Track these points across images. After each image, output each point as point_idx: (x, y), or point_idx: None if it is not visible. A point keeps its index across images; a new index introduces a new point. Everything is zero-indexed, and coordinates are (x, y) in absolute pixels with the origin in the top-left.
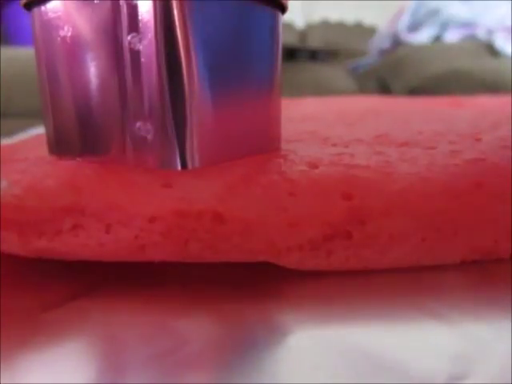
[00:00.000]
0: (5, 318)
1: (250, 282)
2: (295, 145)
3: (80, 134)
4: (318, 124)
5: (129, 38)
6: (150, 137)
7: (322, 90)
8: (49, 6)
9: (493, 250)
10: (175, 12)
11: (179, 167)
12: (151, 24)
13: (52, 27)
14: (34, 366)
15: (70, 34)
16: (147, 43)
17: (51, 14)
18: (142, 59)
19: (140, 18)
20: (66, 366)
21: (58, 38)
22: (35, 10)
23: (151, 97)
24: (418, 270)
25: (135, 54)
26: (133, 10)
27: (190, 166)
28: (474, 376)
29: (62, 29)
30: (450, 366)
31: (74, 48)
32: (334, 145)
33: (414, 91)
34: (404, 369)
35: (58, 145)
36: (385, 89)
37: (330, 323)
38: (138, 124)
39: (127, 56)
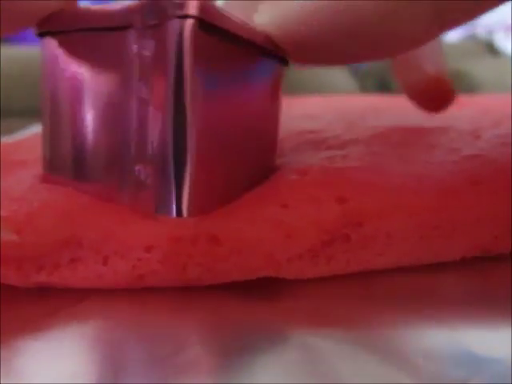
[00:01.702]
0: (5, 323)
1: (250, 286)
2: (292, 148)
3: (76, 163)
4: (318, 123)
5: (138, 85)
6: (148, 181)
7: (322, 88)
8: (63, 39)
9: (493, 246)
10: (186, 70)
11: (174, 215)
12: (162, 77)
13: (63, 60)
14: (34, 369)
15: (80, 69)
16: (156, 94)
17: (64, 48)
18: (150, 108)
19: (151, 69)
20: (65, 369)
21: (68, 72)
22: (47, 40)
23: (154, 144)
24: (418, 273)
25: (143, 102)
26: (144, 61)
27: (185, 214)
28: (474, 378)
29: (73, 63)
30: (450, 369)
31: (83, 83)
32: (331, 146)
33: None
34: (404, 371)
35: (53, 166)
36: (385, 87)
37: (330, 326)
38: (138, 167)
39: (135, 102)
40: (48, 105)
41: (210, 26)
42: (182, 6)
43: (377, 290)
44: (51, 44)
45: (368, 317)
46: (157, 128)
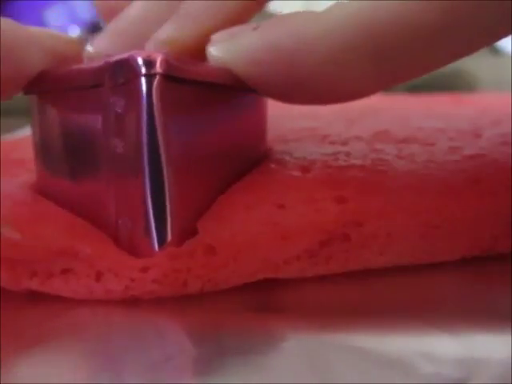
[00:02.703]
0: (5, 326)
1: (247, 287)
2: (291, 145)
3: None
4: (318, 121)
5: (113, 141)
6: (128, 233)
7: None
8: (46, 98)
9: (493, 246)
10: (158, 126)
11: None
12: (135, 133)
13: (48, 114)
14: (32, 373)
15: (61, 125)
16: (129, 150)
17: (48, 105)
18: (124, 163)
19: (124, 125)
20: (62, 373)
21: (53, 125)
22: (33, 97)
23: (132, 197)
24: (418, 273)
25: (118, 156)
26: (118, 118)
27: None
28: (474, 379)
29: (56, 118)
30: (450, 370)
31: (67, 136)
32: (332, 143)
33: (414, 88)
34: (403, 371)
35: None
36: None
37: (330, 327)
38: (121, 221)
39: (110, 156)
40: (39, 154)
41: (177, 78)
42: (147, 64)
43: (376, 290)
44: (37, 101)
45: (368, 318)
46: (132, 183)
